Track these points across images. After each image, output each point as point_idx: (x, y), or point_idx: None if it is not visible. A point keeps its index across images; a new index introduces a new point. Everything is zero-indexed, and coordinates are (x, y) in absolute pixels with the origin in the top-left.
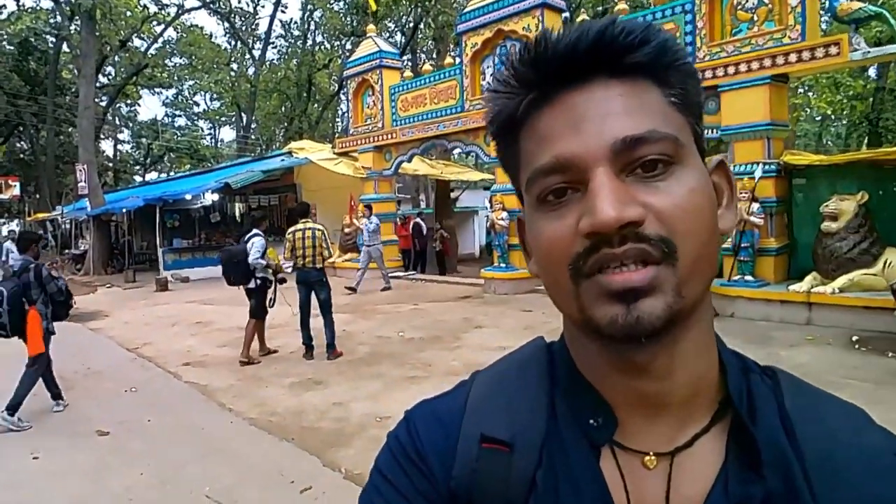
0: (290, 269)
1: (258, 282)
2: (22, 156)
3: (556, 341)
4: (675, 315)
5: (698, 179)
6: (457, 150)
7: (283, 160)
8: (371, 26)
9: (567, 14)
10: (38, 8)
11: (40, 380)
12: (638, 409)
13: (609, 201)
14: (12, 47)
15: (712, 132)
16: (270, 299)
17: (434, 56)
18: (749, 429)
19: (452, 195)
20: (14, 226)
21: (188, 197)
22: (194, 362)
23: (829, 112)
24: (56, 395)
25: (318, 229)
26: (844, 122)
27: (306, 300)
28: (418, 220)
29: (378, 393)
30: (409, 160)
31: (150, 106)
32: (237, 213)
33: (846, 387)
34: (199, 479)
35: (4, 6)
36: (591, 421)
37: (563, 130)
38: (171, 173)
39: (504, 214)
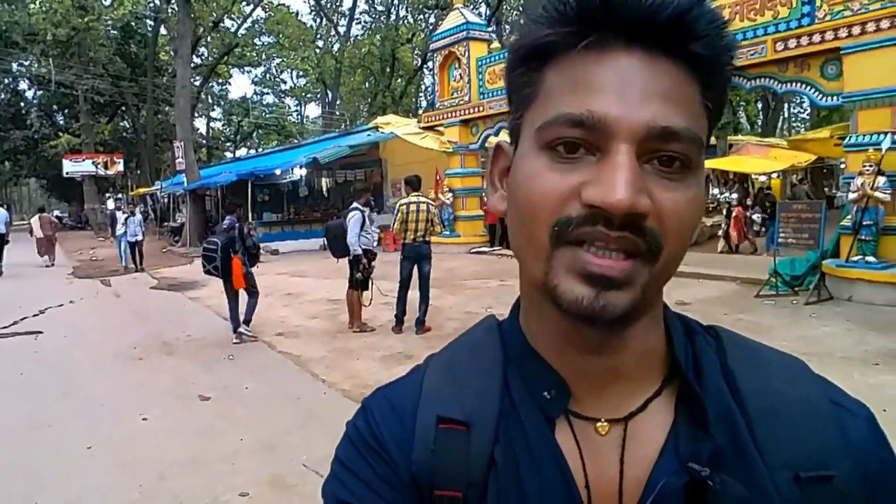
0: (376, 244)
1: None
2: (125, 134)
3: (506, 320)
4: (636, 307)
5: (700, 188)
6: None
7: (369, 135)
8: None
9: None
10: None
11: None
12: (590, 381)
13: (628, 183)
14: (115, 32)
15: (834, 99)
16: (362, 276)
17: None
18: (695, 389)
19: None
20: (119, 198)
21: (278, 172)
22: (287, 332)
23: None
24: (240, 323)
25: (431, 203)
26: None
27: (409, 275)
28: None
29: None
30: (496, 134)
31: (240, 84)
32: (324, 188)
33: None
34: (298, 447)
35: None
36: (545, 394)
37: (607, 87)
38: (260, 149)
39: None
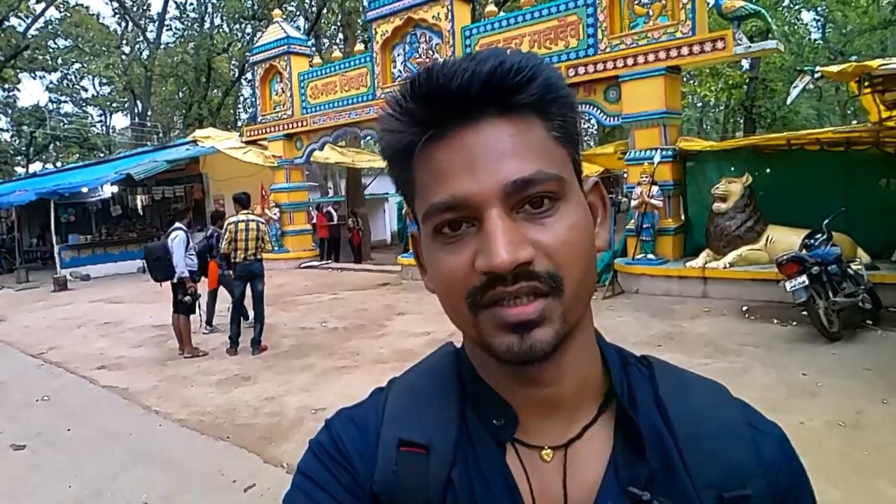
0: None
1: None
2: None
3: (461, 347)
4: (562, 338)
5: (578, 212)
6: (368, 138)
7: (188, 149)
8: (277, 11)
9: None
10: None
11: None
12: (534, 409)
13: (503, 244)
14: None
15: (615, 119)
16: (188, 301)
17: (340, 42)
18: (631, 417)
19: (363, 182)
20: None
21: (85, 190)
22: (109, 365)
23: (710, 99)
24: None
25: (260, 221)
26: (723, 108)
27: (242, 294)
28: (330, 208)
29: (310, 385)
30: (321, 148)
31: (32, 91)
32: (140, 206)
33: (743, 352)
34: (134, 488)
35: None
36: (495, 421)
37: (458, 169)
38: (59, 164)
39: None
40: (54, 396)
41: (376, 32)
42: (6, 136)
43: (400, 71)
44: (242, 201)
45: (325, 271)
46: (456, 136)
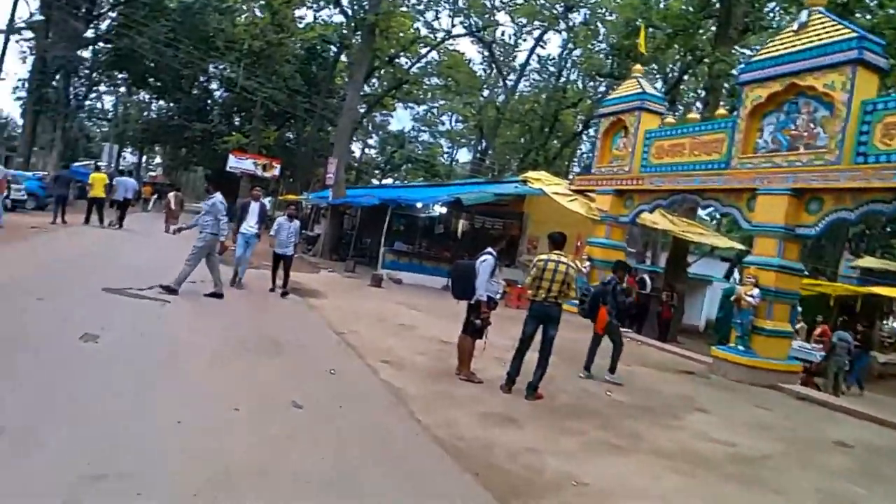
0: (499, 297)
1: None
2: (287, 143)
3: None
4: None
5: None
6: (708, 210)
7: (516, 187)
8: (638, 66)
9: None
10: (330, 21)
11: None
12: None
13: None
14: (302, 51)
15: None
16: (481, 323)
17: (700, 107)
18: None
19: (688, 259)
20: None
21: (419, 205)
22: (392, 362)
23: None
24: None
25: (571, 266)
26: None
27: (532, 335)
28: (645, 276)
29: (576, 452)
30: (651, 211)
31: (401, 118)
32: (460, 230)
33: None
34: (370, 484)
35: (304, 17)
36: None
37: None
38: (406, 181)
39: (756, 291)
40: (340, 373)
41: (747, 97)
42: (373, 152)
43: (766, 142)
44: (557, 241)
45: (624, 339)
46: None
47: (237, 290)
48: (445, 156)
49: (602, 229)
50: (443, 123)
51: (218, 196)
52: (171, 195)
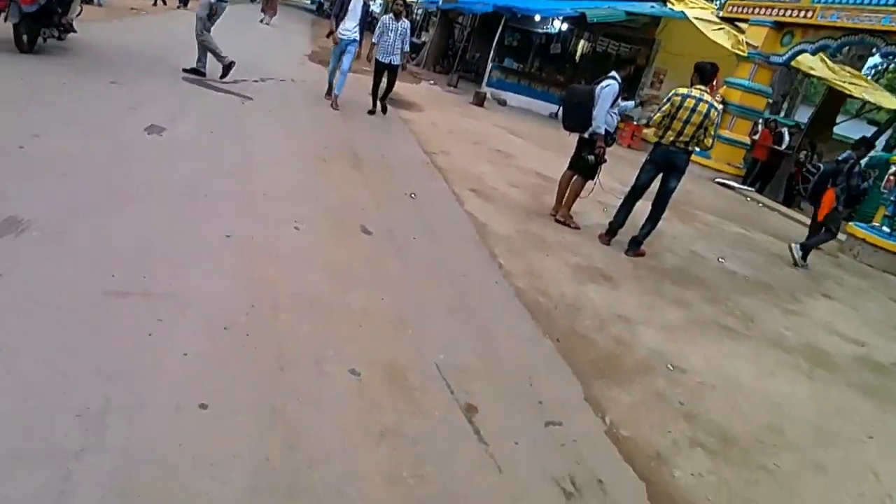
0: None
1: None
2: None
3: None
4: None
5: None
6: (889, 59)
7: (652, 6)
8: None
9: None
10: None
11: None
12: None
13: None
14: None
15: None
16: (595, 159)
17: None
18: None
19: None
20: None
21: (536, 18)
22: (481, 192)
23: None
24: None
25: (715, 106)
26: None
27: (648, 183)
28: (784, 130)
29: (677, 327)
30: (813, 53)
31: None
32: (579, 52)
33: None
34: (437, 336)
35: None
36: None
37: None
38: None
39: None
40: (421, 196)
41: None
42: None
43: None
44: (706, 73)
45: (742, 198)
46: None
47: (332, 109)
48: None
49: (746, 69)
50: None
51: None
52: None
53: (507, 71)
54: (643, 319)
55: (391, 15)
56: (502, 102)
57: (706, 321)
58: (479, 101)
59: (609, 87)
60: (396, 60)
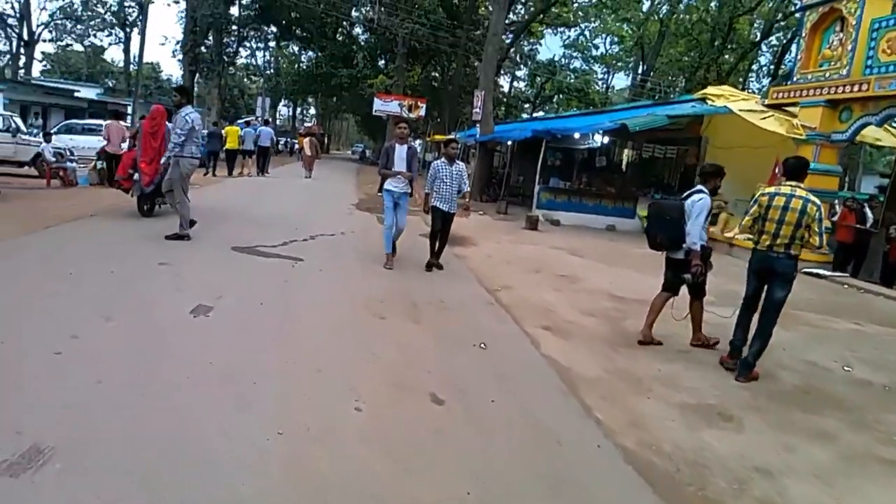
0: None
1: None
2: (433, 83)
3: None
4: None
5: None
6: None
7: (693, 106)
8: None
9: None
10: None
11: None
12: None
13: None
14: None
15: None
16: (694, 278)
17: None
18: None
19: None
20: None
21: (577, 136)
22: (555, 327)
23: None
24: None
25: (812, 201)
26: None
27: (755, 294)
28: (865, 207)
29: (831, 471)
30: (879, 124)
31: (550, 46)
32: (624, 161)
33: None
34: None
35: None
36: None
37: None
38: (558, 113)
39: None
40: (491, 346)
41: None
42: (521, 85)
43: None
44: (794, 169)
45: (839, 286)
46: None
47: (388, 269)
48: (600, 82)
49: (808, 151)
50: (596, 47)
51: (187, 109)
52: (306, 141)
53: (554, 191)
54: (786, 468)
55: (443, 159)
56: (555, 223)
57: (861, 456)
58: (532, 224)
59: (701, 200)
60: (455, 208)
